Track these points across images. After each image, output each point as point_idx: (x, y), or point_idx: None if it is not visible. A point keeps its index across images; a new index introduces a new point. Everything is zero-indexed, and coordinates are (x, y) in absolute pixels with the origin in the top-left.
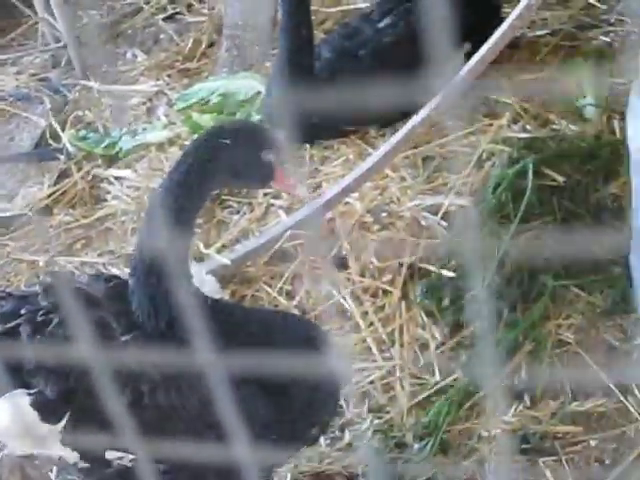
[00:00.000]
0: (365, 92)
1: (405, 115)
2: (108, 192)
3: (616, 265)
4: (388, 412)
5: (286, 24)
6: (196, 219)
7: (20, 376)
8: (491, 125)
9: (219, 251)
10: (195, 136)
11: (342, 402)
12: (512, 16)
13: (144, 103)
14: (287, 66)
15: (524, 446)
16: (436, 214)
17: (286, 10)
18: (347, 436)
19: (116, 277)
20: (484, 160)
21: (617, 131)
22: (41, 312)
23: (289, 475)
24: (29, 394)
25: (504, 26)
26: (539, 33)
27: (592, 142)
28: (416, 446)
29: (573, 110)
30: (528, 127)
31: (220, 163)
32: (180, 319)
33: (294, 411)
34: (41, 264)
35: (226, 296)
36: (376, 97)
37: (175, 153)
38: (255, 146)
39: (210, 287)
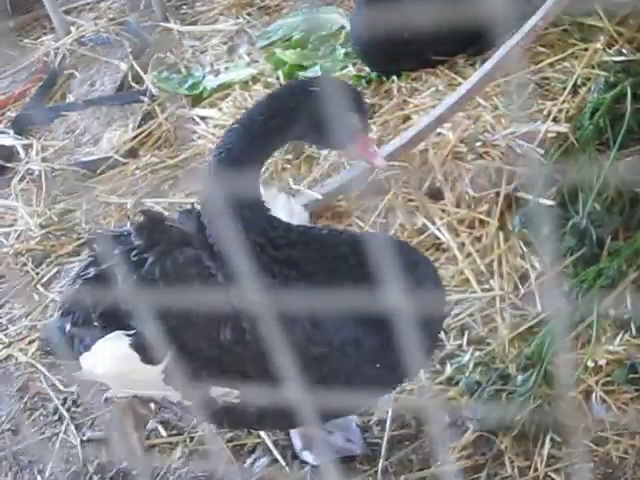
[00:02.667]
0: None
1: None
2: (194, 132)
3: None
4: (489, 344)
5: None
6: (264, 164)
7: (118, 317)
8: (586, 50)
9: (310, 186)
10: (279, 72)
11: (442, 335)
12: None
13: (225, 43)
14: None
15: (631, 375)
16: (532, 142)
17: None
18: (448, 369)
19: None
20: (579, 86)
21: None
22: (135, 252)
23: (390, 409)
24: (128, 335)
25: None
26: None
27: None
28: (519, 378)
29: None
30: (624, 51)
31: (302, 113)
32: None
33: (396, 340)
34: (129, 206)
35: None
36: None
37: (259, 91)
38: (341, 105)
39: (300, 218)
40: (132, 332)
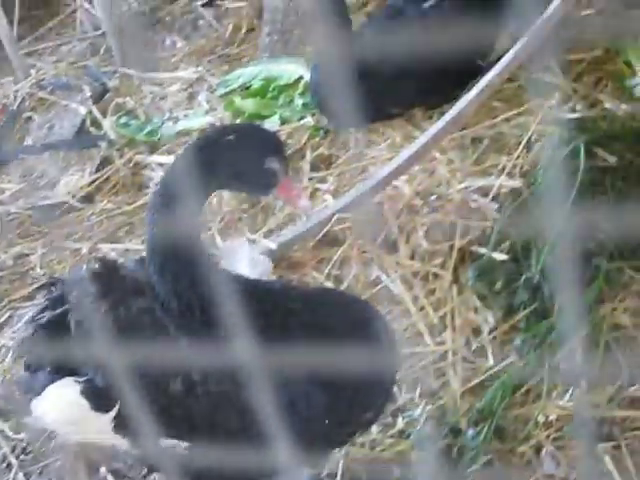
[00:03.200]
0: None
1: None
2: (151, 178)
3: None
4: (441, 398)
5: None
6: (199, 213)
7: (70, 364)
8: (540, 106)
9: (266, 236)
10: (237, 121)
11: (394, 388)
12: None
13: (185, 89)
14: (330, 48)
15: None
16: (486, 196)
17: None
18: (400, 422)
19: None
20: (534, 141)
21: None
22: (89, 298)
23: (341, 462)
24: (79, 382)
25: (554, 4)
26: (585, 13)
27: None
28: (470, 432)
29: (623, 90)
30: (578, 107)
31: (221, 162)
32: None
33: (347, 396)
34: (84, 252)
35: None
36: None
37: None
38: (259, 151)
39: (263, 267)
40: (83, 379)
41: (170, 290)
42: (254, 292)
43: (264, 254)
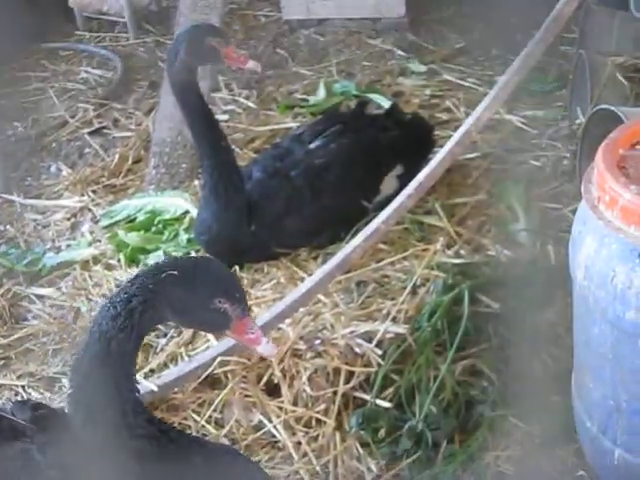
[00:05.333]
0: (296, 213)
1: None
2: (29, 311)
3: (555, 394)
4: None
5: (204, 144)
6: (138, 348)
7: None
8: (425, 250)
9: (146, 376)
10: (121, 255)
11: None
12: (451, 142)
13: (68, 219)
14: (215, 185)
15: None
16: (371, 341)
17: (198, 130)
18: None
19: (43, 405)
20: (419, 286)
21: (552, 257)
22: None
23: None
24: None
25: (443, 152)
26: (469, 156)
27: (526, 268)
28: None
29: (506, 235)
30: (462, 252)
31: (166, 296)
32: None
33: None
34: None
35: None
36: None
37: (100, 272)
38: (206, 290)
39: None
40: None
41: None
42: (162, 436)
43: (144, 395)
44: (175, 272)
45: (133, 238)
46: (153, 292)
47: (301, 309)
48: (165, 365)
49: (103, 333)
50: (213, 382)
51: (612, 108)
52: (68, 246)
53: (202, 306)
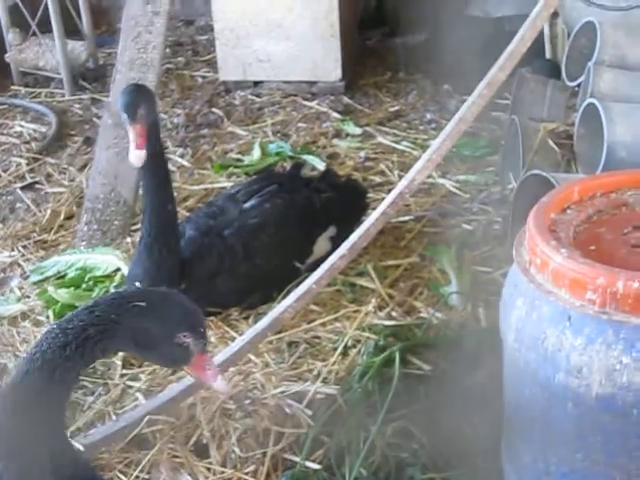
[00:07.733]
0: (228, 272)
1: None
2: None
3: (485, 458)
4: None
5: (150, 202)
6: (80, 373)
7: None
8: (357, 312)
9: (72, 435)
10: (50, 311)
11: None
12: (384, 204)
13: None
14: (151, 244)
15: None
16: (301, 402)
17: (149, 187)
18: None
19: None
20: (350, 347)
21: (482, 319)
22: None
23: None
24: None
25: (376, 214)
26: (403, 219)
27: (457, 330)
28: None
29: (438, 298)
30: (394, 314)
31: (124, 327)
32: None
33: None
34: None
35: None
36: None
37: (28, 328)
38: (170, 323)
39: None
40: None
41: None
42: None
43: None
44: (143, 303)
45: (63, 295)
46: (116, 322)
47: (231, 368)
48: (92, 424)
49: (47, 361)
50: (140, 442)
51: (544, 174)
52: None
53: (166, 339)
